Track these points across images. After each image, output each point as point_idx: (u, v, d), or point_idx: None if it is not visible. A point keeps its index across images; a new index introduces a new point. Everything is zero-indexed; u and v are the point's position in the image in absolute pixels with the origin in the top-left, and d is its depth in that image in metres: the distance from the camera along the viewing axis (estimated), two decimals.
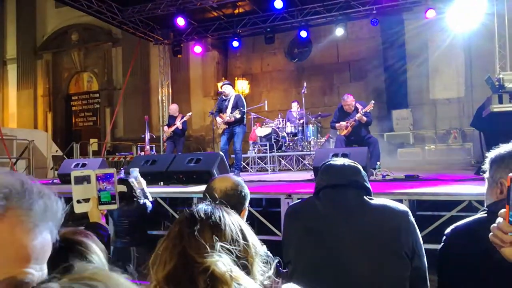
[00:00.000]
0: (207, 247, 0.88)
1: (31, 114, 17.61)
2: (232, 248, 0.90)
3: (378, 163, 5.71)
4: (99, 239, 1.06)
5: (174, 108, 9.29)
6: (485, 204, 1.50)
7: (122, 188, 3.55)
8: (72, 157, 10.83)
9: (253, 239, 0.97)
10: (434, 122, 11.97)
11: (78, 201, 1.82)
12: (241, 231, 0.95)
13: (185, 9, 10.41)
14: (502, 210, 1.02)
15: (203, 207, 0.99)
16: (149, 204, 3.82)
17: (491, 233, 1.04)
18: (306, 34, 11.09)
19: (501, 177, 1.40)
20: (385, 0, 9.95)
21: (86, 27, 16.58)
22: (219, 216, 0.95)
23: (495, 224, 1.03)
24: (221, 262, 0.86)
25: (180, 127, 8.80)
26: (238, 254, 0.91)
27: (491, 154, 1.46)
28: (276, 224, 3.84)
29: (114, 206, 1.85)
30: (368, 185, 1.76)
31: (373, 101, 6.34)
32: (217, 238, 0.90)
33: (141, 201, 3.79)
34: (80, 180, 1.83)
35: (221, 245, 0.89)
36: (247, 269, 0.91)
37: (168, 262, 0.89)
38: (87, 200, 1.82)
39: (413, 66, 12.26)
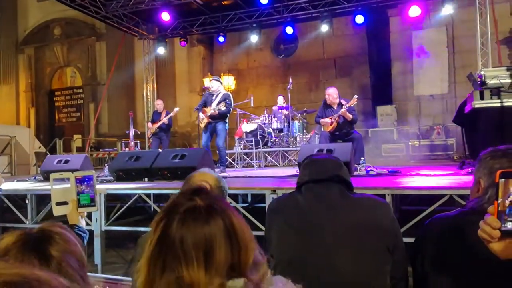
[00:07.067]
0: (200, 262, 0.82)
1: (13, 110, 17.28)
2: (227, 256, 0.84)
3: (362, 158, 5.75)
4: None
5: (159, 103, 9.25)
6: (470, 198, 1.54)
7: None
8: (55, 154, 10.66)
9: (248, 238, 0.89)
10: (417, 118, 12.11)
11: (57, 204, 1.81)
12: (235, 233, 0.87)
13: (170, 4, 10.31)
14: (491, 206, 1.03)
15: (191, 206, 0.89)
16: None
17: (480, 229, 1.04)
18: (292, 30, 11.09)
19: (479, 176, 1.44)
20: None
21: (69, 21, 16.30)
22: (213, 221, 0.86)
23: (483, 220, 1.04)
24: (215, 283, 0.80)
25: (166, 122, 8.75)
26: (233, 262, 0.85)
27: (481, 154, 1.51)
28: (262, 220, 3.84)
29: (94, 209, 1.83)
30: (349, 179, 1.78)
31: (356, 96, 6.38)
32: (210, 253, 0.83)
33: None
34: (59, 182, 1.82)
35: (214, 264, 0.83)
36: (239, 272, 0.85)
37: (158, 273, 0.83)
38: (66, 203, 1.80)
39: (398, 63, 12.38)
